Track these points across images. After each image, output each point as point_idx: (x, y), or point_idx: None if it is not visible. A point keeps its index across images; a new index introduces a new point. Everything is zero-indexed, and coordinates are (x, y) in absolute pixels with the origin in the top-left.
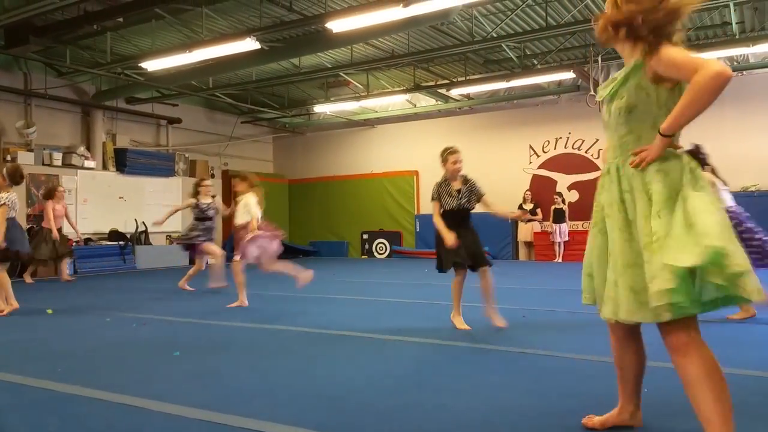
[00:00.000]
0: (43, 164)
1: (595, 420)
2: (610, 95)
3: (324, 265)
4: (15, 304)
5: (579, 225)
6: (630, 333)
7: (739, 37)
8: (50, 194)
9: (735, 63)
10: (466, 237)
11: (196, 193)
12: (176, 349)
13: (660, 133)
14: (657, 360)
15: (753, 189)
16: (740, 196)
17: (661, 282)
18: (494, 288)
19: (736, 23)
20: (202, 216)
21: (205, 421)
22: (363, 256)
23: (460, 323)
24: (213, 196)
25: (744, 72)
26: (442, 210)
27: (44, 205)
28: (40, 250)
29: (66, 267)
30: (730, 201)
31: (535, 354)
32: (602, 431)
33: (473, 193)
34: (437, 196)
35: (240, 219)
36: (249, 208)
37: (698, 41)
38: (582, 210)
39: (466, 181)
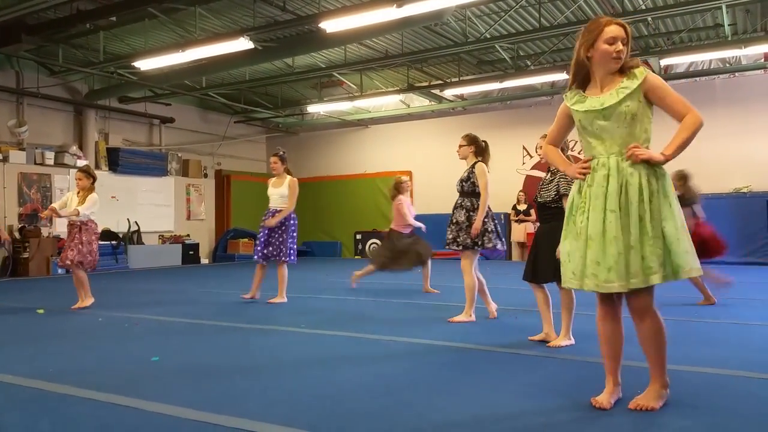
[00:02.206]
0: (35, 163)
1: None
2: (617, 103)
3: (317, 266)
4: None
5: None
6: (618, 307)
7: (731, 39)
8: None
9: (727, 65)
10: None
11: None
12: (163, 352)
13: (663, 154)
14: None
15: (745, 190)
16: (732, 198)
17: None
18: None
19: (729, 25)
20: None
21: (198, 421)
22: (356, 257)
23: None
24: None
25: (736, 74)
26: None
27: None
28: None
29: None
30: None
31: (528, 355)
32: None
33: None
34: None
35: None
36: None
37: (691, 43)
38: None
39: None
